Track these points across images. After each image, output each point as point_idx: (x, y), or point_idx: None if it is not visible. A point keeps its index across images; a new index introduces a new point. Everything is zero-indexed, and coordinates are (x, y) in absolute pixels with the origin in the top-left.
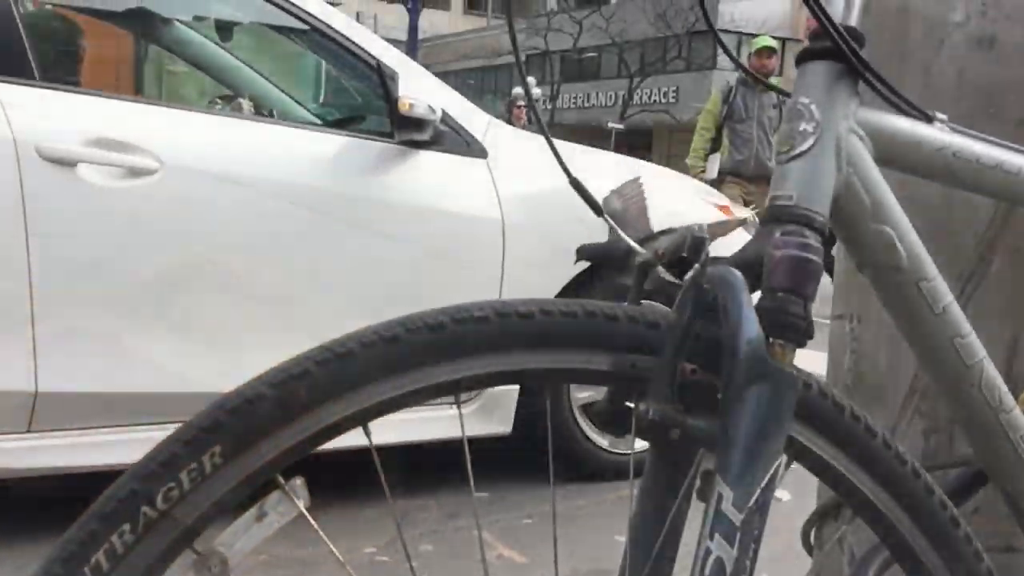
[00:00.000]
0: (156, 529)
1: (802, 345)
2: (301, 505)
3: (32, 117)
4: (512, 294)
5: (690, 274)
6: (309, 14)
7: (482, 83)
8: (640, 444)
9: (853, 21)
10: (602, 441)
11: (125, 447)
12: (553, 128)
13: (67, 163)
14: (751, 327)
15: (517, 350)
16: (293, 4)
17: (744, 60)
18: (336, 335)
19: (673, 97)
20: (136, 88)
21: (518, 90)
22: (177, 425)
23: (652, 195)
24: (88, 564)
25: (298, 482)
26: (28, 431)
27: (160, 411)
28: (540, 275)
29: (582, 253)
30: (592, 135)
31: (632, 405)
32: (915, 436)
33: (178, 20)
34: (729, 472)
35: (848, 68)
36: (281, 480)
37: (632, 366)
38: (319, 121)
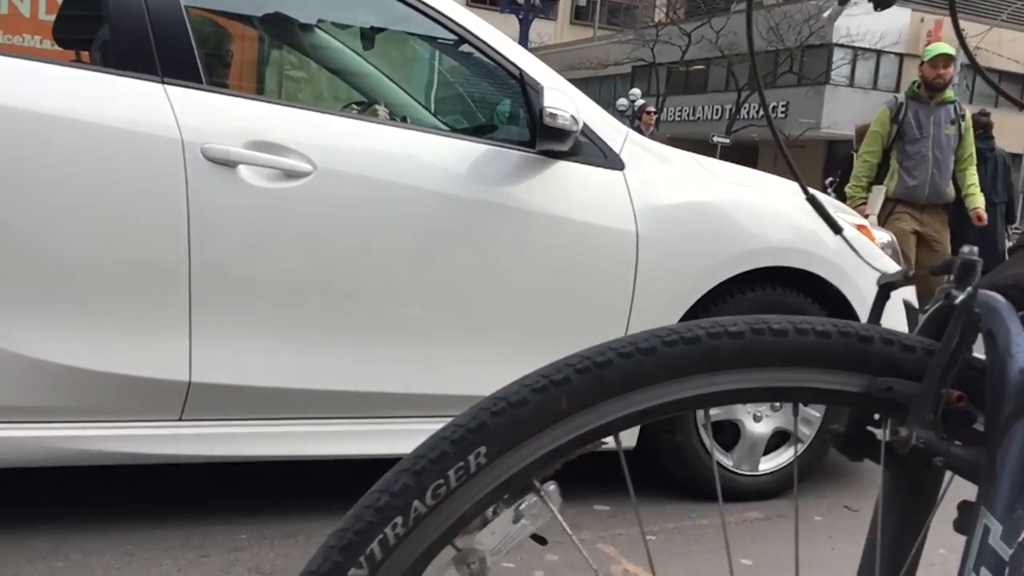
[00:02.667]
0: (425, 524)
1: None
2: (555, 509)
3: (198, 119)
4: (643, 308)
5: (961, 298)
6: (455, 23)
7: (586, 93)
8: (764, 467)
9: None
10: (726, 461)
11: (271, 440)
12: (655, 140)
13: (229, 164)
14: (1023, 356)
15: (769, 367)
16: (441, 12)
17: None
18: (469, 341)
19: (782, 112)
20: (259, 91)
21: (624, 101)
22: (320, 421)
23: (780, 210)
24: (363, 553)
25: (551, 487)
26: (180, 419)
27: (305, 407)
28: (672, 290)
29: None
30: (697, 148)
31: (873, 430)
32: None
33: (315, 25)
34: (997, 505)
35: None
36: (537, 484)
37: (888, 389)
38: (446, 128)
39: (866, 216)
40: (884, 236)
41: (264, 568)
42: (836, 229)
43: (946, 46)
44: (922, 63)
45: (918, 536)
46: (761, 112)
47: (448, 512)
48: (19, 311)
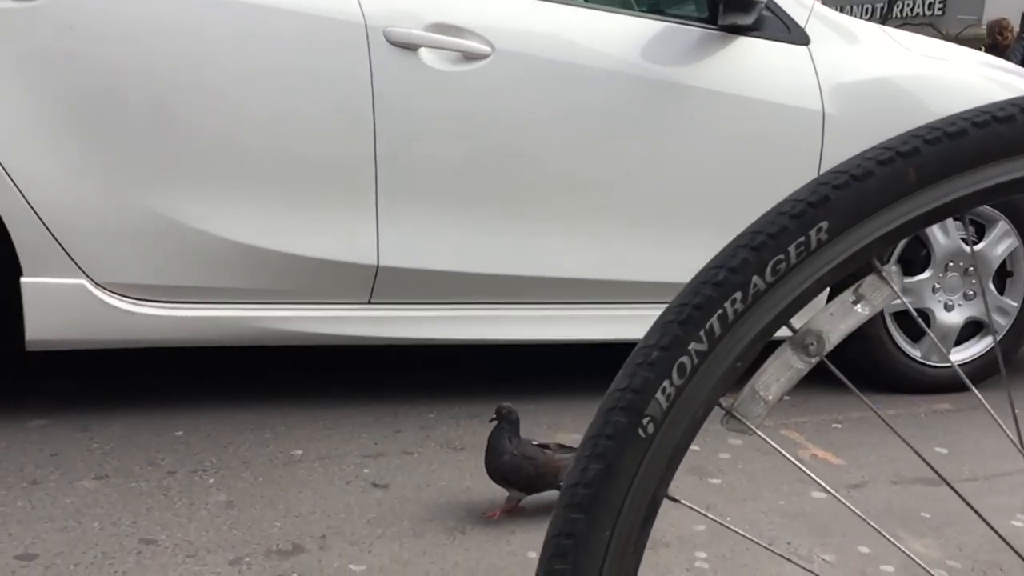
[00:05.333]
0: (762, 301)
1: None
2: (898, 290)
3: (381, 3)
4: None
5: None
6: None
7: None
8: (957, 358)
9: None
10: (914, 352)
11: (456, 324)
12: None
13: (410, 47)
14: None
15: None
16: None
17: None
18: (648, 226)
19: (939, 8)
20: None
21: None
22: (503, 305)
23: (978, 86)
24: (703, 328)
25: (893, 268)
26: (368, 303)
27: (490, 291)
28: None
29: None
30: None
31: None
32: None
33: None
34: None
35: None
36: (878, 264)
37: None
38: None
39: None
40: None
41: (454, 444)
42: None
43: None
44: None
45: None
46: (916, 11)
47: (787, 290)
48: (219, 196)
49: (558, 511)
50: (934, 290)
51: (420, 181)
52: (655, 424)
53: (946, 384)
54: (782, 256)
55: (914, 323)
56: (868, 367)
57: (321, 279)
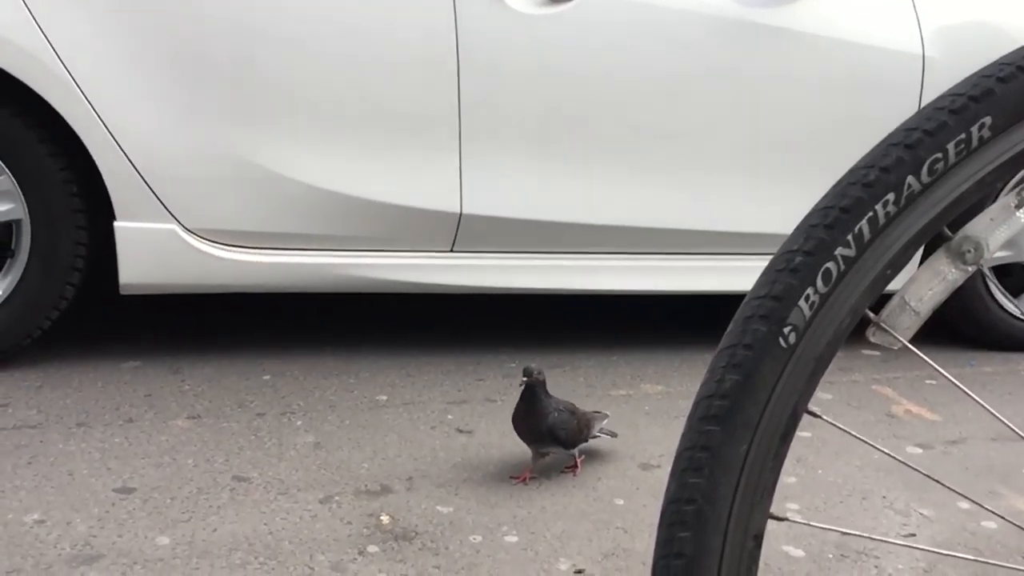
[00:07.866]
0: (917, 204)
1: None
2: None
3: None
4: None
5: None
6: None
7: None
8: None
9: None
10: (1014, 309)
11: (540, 273)
12: None
13: None
14: None
15: None
16: None
17: None
18: (737, 170)
19: None
20: None
21: None
22: (587, 255)
23: None
24: (851, 232)
25: None
26: (451, 251)
27: (573, 240)
28: None
29: None
30: None
31: None
32: None
33: None
34: None
35: None
36: None
37: None
38: None
39: None
40: None
41: None
42: None
43: None
44: None
45: None
46: None
47: (944, 191)
48: (305, 144)
49: (690, 423)
50: None
51: (504, 127)
52: (797, 334)
53: None
54: (940, 155)
55: (1015, 277)
56: (964, 323)
57: (405, 227)
